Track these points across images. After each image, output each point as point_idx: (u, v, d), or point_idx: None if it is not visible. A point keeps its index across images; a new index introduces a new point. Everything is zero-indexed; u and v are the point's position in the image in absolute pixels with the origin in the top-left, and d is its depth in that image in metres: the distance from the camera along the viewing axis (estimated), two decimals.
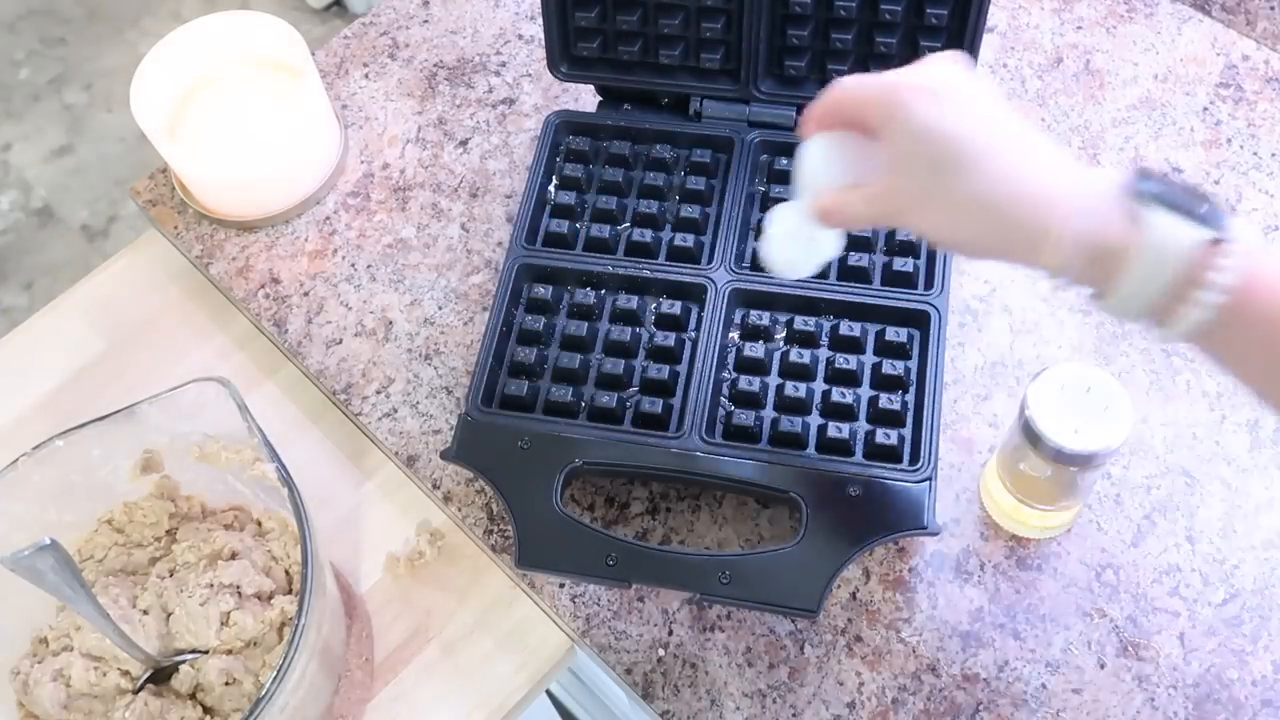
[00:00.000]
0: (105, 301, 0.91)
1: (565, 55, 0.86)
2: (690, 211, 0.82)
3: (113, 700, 0.66)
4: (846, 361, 0.75)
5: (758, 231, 0.82)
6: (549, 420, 0.75)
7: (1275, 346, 0.49)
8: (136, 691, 0.66)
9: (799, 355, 0.76)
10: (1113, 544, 0.74)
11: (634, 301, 0.79)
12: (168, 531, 0.72)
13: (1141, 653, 0.70)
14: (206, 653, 0.67)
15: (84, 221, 2.06)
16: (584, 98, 0.93)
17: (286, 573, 0.71)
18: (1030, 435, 0.65)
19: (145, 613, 0.67)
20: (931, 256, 0.79)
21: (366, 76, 0.99)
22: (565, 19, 0.84)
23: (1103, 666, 0.70)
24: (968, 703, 0.69)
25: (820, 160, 0.59)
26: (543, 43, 0.85)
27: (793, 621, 0.72)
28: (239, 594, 0.67)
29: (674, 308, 0.79)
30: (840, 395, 0.74)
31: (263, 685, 0.60)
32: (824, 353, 0.77)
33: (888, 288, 0.78)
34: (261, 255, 0.90)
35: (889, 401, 0.73)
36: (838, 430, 0.73)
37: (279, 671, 0.58)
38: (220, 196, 0.90)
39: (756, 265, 0.80)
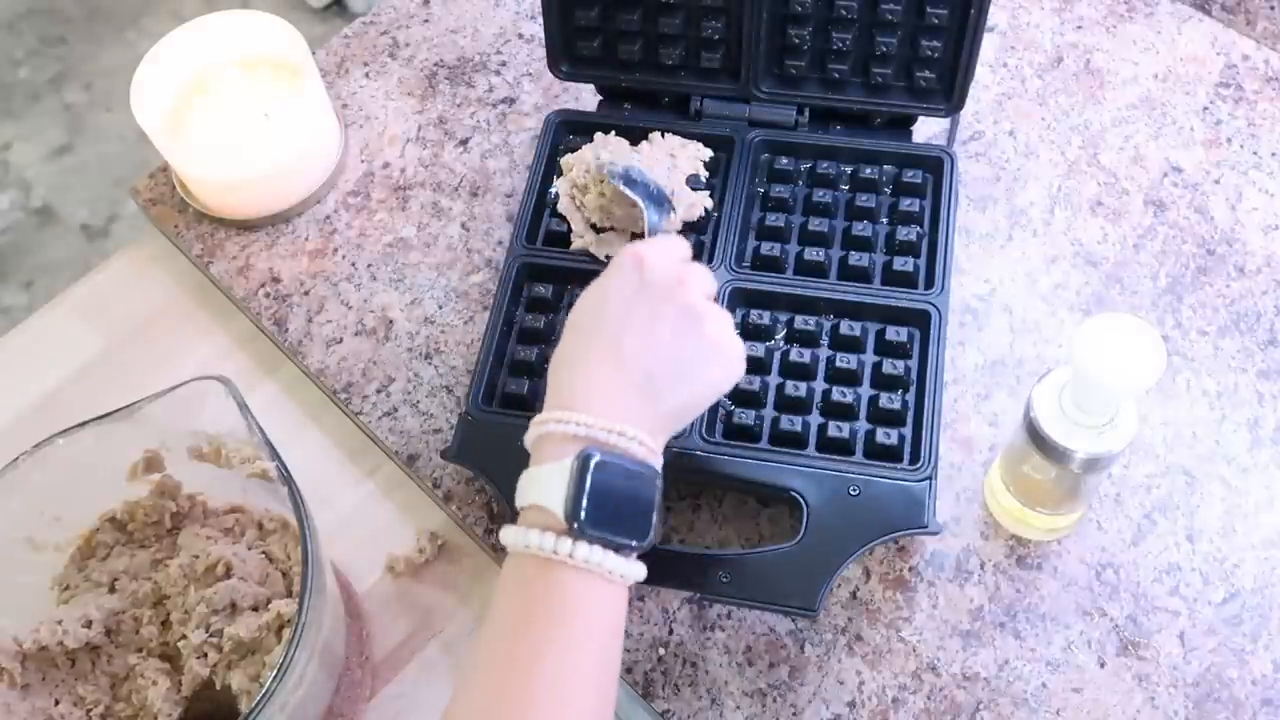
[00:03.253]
0: (105, 301, 0.91)
1: (565, 54, 0.86)
2: None
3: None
4: (847, 361, 0.75)
5: (758, 231, 0.82)
6: None
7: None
8: None
9: (799, 354, 0.76)
10: (1113, 543, 0.74)
11: None
12: (169, 531, 0.72)
13: (1141, 652, 0.70)
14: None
15: (84, 221, 2.06)
16: (584, 97, 0.93)
17: (285, 575, 0.71)
18: (1034, 437, 0.65)
19: (154, 682, 0.67)
20: (932, 256, 0.79)
21: (367, 76, 0.99)
22: (565, 18, 0.84)
23: (1103, 665, 0.70)
24: (968, 702, 0.69)
25: None
26: (543, 42, 0.85)
27: (793, 620, 0.72)
28: (233, 608, 0.68)
29: None
30: (840, 394, 0.74)
31: (263, 685, 0.60)
32: (824, 352, 0.77)
33: (888, 287, 0.78)
34: (261, 254, 0.90)
35: (889, 401, 0.73)
36: (838, 429, 0.73)
37: (279, 671, 0.58)
38: (220, 196, 0.90)
39: (756, 264, 0.80)
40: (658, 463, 0.57)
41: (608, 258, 0.79)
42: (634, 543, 0.55)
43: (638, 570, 0.55)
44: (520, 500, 0.56)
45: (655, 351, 0.58)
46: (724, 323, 0.62)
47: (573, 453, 0.55)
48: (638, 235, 0.79)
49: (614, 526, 0.54)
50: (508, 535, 0.55)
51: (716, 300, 0.77)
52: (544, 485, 0.55)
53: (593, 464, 0.54)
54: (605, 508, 0.54)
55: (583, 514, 0.53)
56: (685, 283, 0.61)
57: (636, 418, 0.56)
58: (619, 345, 0.58)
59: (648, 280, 0.60)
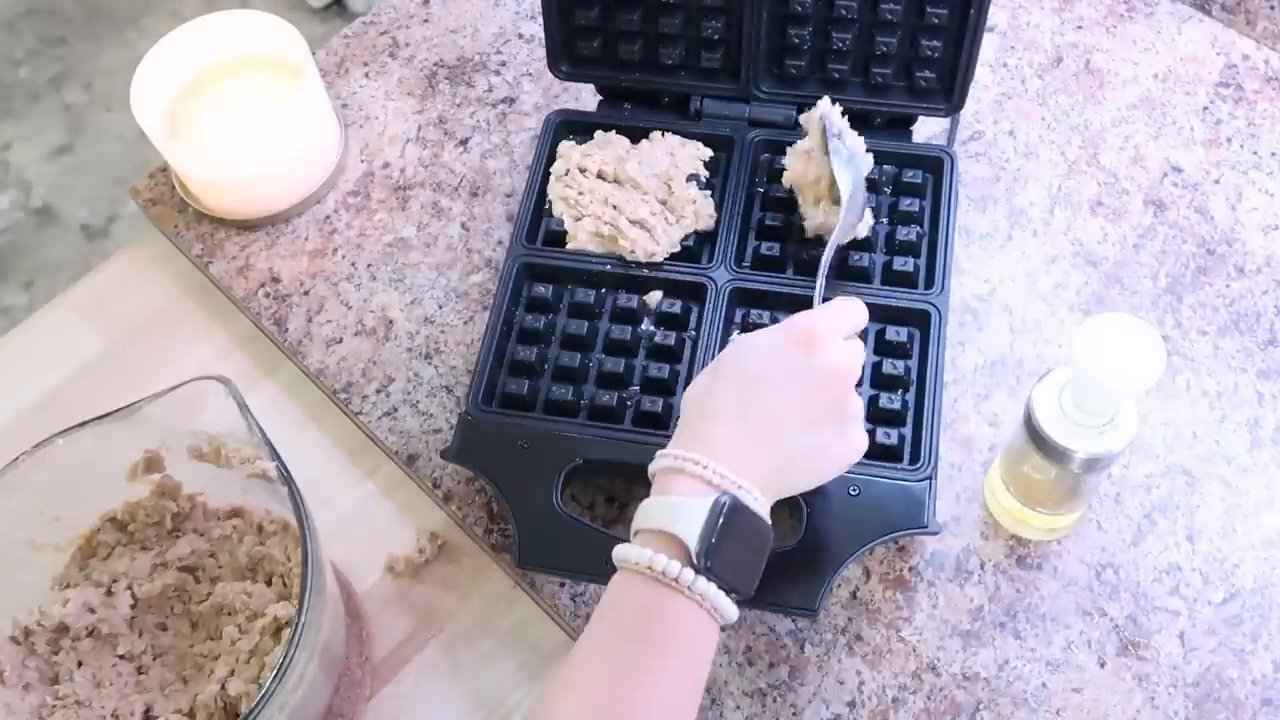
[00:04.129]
0: (105, 301, 0.91)
1: (565, 54, 0.86)
2: None
3: None
4: None
5: (758, 230, 0.82)
6: (549, 419, 0.75)
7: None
8: None
9: None
10: (1113, 543, 0.74)
11: (634, 300, 0.79)
12: (170, 532, 0.72)
13: (1141, 652, 0.70)
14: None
15: (84, 221, 2.06)
16: (584, 97, 0.93)
17: (284, 579, 0.71)
18: (1034, 437, 0.65)
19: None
20: (932, 256, 0.79)
21: (367, 76, 0.99)
22: (565, 18, 0.84)
23: (1103, 665, 0.70)
24: (968, 702, 0.69)
25: None
26: (543, 42, 0.85)
27: (793, 620, 0.72)
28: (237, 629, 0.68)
29: (674, 306, 0.79)
30: None
31: (263, 685, 0.60)
32: None
33: (888, 287, 0.78)
34: (261, 254, 0.90)
35: (889, 401, 0.73)
36: None
37: (279, 671, 0.58)
38: (220, 196, 0.90)
39: (756, 264, 0.80)
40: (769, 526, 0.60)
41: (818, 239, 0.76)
42: (739, 589, 0.58)
43: (734, 612, 0.58)
44: (647, 523, 0.58)
45: (797, 431, 0.61)
46: (860, 417, 0.64)
47: (708, 494, 0.57)
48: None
49: (733, 570, 0.57)
50: (629, 552, 0.57)
51: (717, 299, 0.77)
52: (682, 516, 0.57)
53: (733, 510, 0.57)
54: (731, 552, 0.57)
55: (713, 552, 0.56)
56: (845, 377, 0.63)
57: (762, 481, 0.59)
58: (767, 416, 0.60)
59: (813, 365, 0.61)
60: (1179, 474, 0.76)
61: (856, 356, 0.64)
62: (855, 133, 0.77)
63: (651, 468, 0.61)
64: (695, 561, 0.56)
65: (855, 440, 0.64)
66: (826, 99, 0.76)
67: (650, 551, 0.56)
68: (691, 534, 0.56)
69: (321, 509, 0.78)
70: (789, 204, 0.82)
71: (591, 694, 0.55)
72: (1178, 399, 0.78)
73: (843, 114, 0.77)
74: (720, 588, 0.56)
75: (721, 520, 0.56)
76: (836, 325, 0.64)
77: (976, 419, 0.78)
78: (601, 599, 0.58)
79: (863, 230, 0.79)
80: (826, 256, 0.72)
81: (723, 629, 0.58)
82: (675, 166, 0.82)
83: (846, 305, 0.67)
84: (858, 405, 0.64)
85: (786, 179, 0.80)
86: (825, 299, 0.77)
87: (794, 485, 0.63)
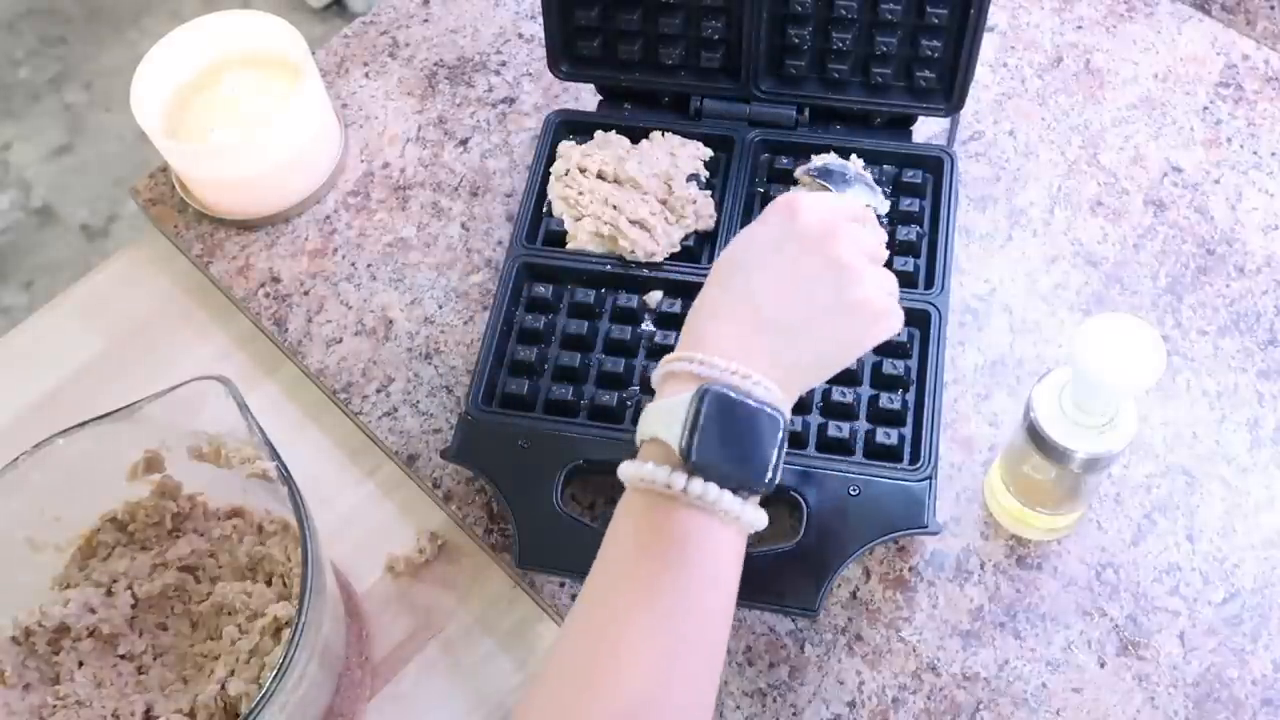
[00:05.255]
0: (105, 301, 0.91)
1: (565, 54, 0.86)
2: None
3: None
4: None
5: None
6: (549, 419, 0.75)
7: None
8: None
9: None
10: (1113, 543, 0.74)
11: (634, 300, 0.79)
12: (170, 532, 0.72)
13: (1141, 652, 0.70)
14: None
15: (84, 221, 2.06)
16: (584, 97, 0.93)
17: (284, 579, 0.71)
18: (1034, 437, 0.65)
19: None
20: (932, 256, 0.79)
21: (367, 76, 0.99)
22: (565, 18, 0.84)
23: (1103, 665, 0.70)
24: (968, 702, 0.69)
25: None
26: (543, 42, 0.85)
27: (793, 620, 0.72)
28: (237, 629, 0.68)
29: (674, 306, 0.79)
30: (840, 394, 0.74)
31: (263, 685, 0.60)
32: None
33: None
34: (261, 254, 0.90)
35: (889, 401, 0.73)
36: (838, 429, 0.73)
37: (279, 671, 0.58)
38: (220, 196, 0.90)
39: None
40: (785, 408, 0.55)
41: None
42: (752, 483, 0.53)
43: (756, 516, 0.53)
44: (641, 434, 0.55)
45: (789, 302, 0.57)
46: (871, 281, 0.58)
47: (696, 389, 0.53)
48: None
49: (728, 462, 0.52)
50: (625, 469, 0.54)
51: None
52: (663, 418, 0.53)
53: (719, 398, 0.52)
54: (720, 441, 0.52)
55: (699, 448, 0.51)
56: (835, 236, 0.58)
57: (763, 364, 0.55)
58: (753, 291, 0.57)
59: (796, 230, 0.58)
60: (1179, 474, 0.76)
61: (848, 224, 0.59)
62: (863, 171, 0.80)
63: (652, 380, 0.58)
64: (684, 462, 0.52)
65: (867, 302, 0.58)
66: (827, 156, 0.79)
67: (640, 462, 0.53)
68: (674, 433, 0.52)
69: (321, 509, 0.78)
70: None
71: (592, 621, 0.51)
72: (1178, 399, 0.78)
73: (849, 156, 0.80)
74: (725, 485, 0.52)
75: (704, 410, 0.52)
76: (815, 200, 0.60)
77: (976, 419, 0.78)
78: (611, 521, 0.55)
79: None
80: None
81: (751, 538, 0.54)
82: (675, 166, 0.82)
83: (835, 196, 0.65)
84: (861, 266, 0.58)
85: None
86: None
87: (812, 365, 0.58)
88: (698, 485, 0.52)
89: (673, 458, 0.53)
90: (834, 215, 0.59)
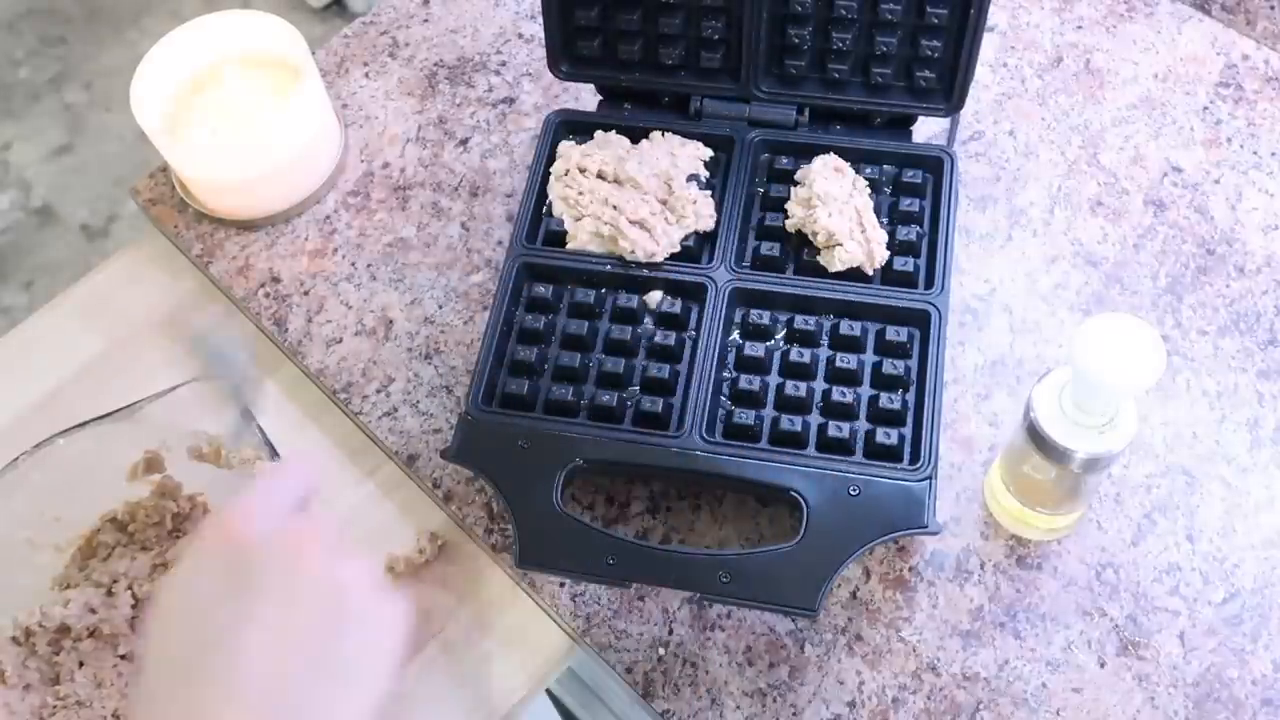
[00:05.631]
0: (105, 301, 0.91)
1: (565, 54, 0.86)
2: None
3: None
4: (846, 361, 0.75)
5: (758, 231, 0.82)
6: (549, 419, 0.75)
7: None
8: None
9: (799, 354, 0.76)
10: (1113, 543, 0.74)
11: (634, 300, 0.79)
12: (170, 532, 0.72)
13: (1141, 652, 0.70)
14: None
15: (84, 221, 2.06)
16: (584, 97, 0.93)
17: None
18: (1034, 437, 0.65)
19: None
20: (932, 256, 0.79)
21: (367, 76, 0.99)
22: (565, 18, 0.84)
23: (1103, 665, 0.70)
24: (968, 702, 0.69)
25: None
26: (543, 42, 0.85)
27: (793, 620, 0.72)
28: None
29: (674, 306, 0.79)
30: (840, 394, 0.74)
31: None
32: (824, 352, 0.77)
33: (888, 287, 0.78)
34: (261, 254, 0.90)
35: (889, 401, 0.73)
36: (838, 429, 0.73)
37: None
38: (220, 196, 0.90)
39: (757, 264, 0.80)
40: None
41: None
42: None
43: None
44: None
45: (288, 660, 0.44)
46: (366, 585, 0.48)
47: None
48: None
49: None
50: None
51: (717, 299, 0.76)
52: None
53: None
54: None
55: None
56: (302, 552, 0.46)
57: None
58: (233, 665, 0.42)
59: (247, 564, 0.45)
60: (1179, 474, 0.76)
61: (303, 522, 0.48)
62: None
63: None
64: None
65: (380, 620, 0.47)
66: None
67: None
68: None
69: (321, 509, 0.78)
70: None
71: None
72: (1178, 399, 0.78)
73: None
74: None
75: None
76: (249, 509, 0.48)
77: (976, 419, 0.78)
78: None
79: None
80: None
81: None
82: (675, 166, 0.82)
83: (265, 484, 0.51)
84: (350, 571, 0.48)
85: (791, 225, 0.80)
86: (823, 299, 0.77)
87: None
88: None
89: None
90: (287, 520, 0.48)
